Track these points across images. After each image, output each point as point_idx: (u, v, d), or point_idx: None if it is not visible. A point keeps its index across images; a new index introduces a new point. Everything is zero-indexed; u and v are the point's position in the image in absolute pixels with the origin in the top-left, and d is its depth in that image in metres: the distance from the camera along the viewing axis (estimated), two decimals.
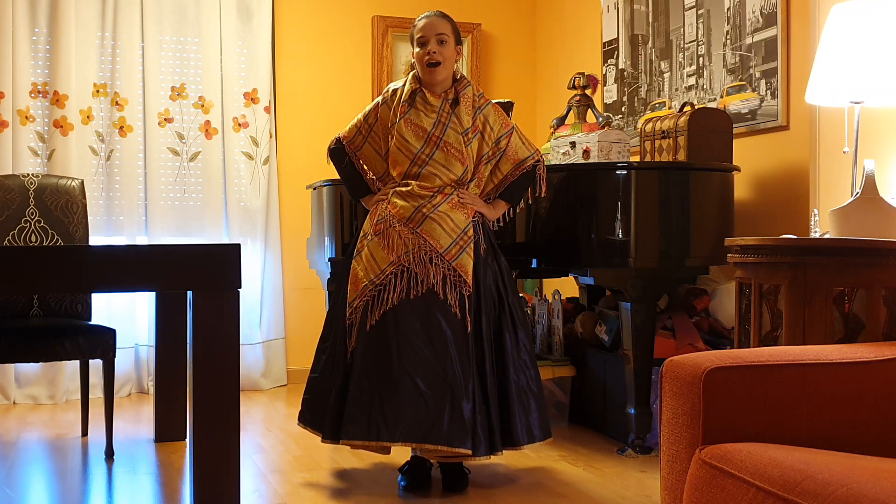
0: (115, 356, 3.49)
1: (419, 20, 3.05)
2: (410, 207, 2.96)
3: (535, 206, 3.49)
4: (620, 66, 4.61)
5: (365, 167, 3.18)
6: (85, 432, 3.78)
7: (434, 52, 2.98)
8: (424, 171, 2.98)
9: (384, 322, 2.90)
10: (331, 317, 3.12)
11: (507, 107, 3.54)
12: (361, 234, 3.06)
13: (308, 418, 3.08)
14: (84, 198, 3.81)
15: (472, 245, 2.97)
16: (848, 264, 2.28)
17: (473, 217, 3.01)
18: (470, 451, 2.83)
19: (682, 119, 3.52)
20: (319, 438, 3.00)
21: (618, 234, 3.34)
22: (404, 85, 3.07)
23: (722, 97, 3.85)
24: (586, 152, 3.64)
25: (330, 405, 2.96)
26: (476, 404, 2.87)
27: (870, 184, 2.51)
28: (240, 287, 2.36)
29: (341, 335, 3.01)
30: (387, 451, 2.96)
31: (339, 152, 3.19)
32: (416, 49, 3.02)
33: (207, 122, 4.84)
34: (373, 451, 2.96)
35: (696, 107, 3.66)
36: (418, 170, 2.99)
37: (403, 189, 3.00)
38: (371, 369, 2.88)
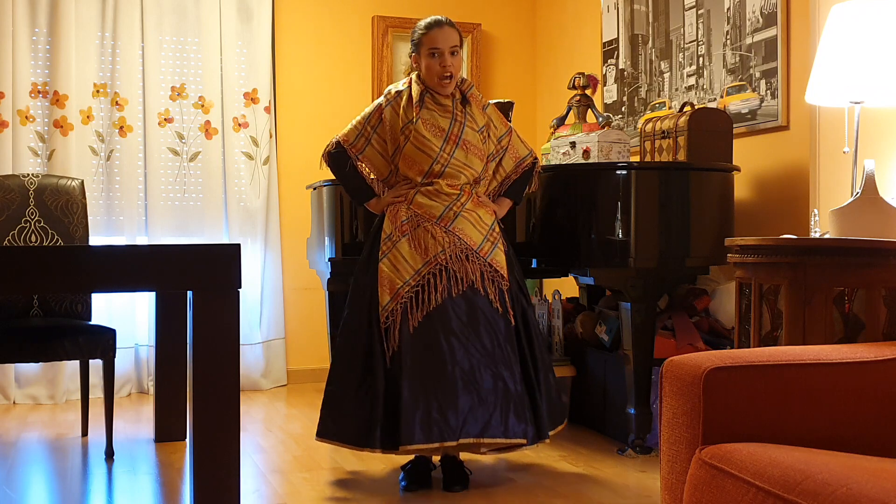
0: (115, 356, 3.49)
1: (430, 28, 3.00)
2: (440, 206, 2.97)
3: (536, 205, 3.50)
4: (620, 66, 4.61)
5: (367, 170, 3.15)
6: (85, 432, 3.78)
7: (449, 66, 2.99)
8: (448, 169, 2.99)
9: (429, 322, 2.88)
10: (350, 325, 3.01)
11: (507, 107, 3.55)
12: (383, 236, 2.99)
13: (337, 433, 2.94)
14: (84, 198, 3.81)
15: (501, 241, 3.02)
16: (848, 264, 2.28)
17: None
18: (525, 441, 2.89)
19: (682, 119, 3.51)
20: (365, 451, 2.89)
21: (618, 234, 3.34)
22: (410, 87, 3.06)
23: (722, 97, 3.85)
24: (586, 152, 3.64)
25: (377, 415, 2.84)
26: (525, 395, 2.93)
27: (870, 184, 2.51)
28: (240, 287, 2.36)
29: (377, 341, 2.91)
30: (440, 451, 2.92)
31: (339, 156, 3.13)
32: (426, 59, 2.99)
33: (207, 122, 4.84)
34: (432, 454, 2.98)
35: (696, 107, 3.66)
36: (441, 168, 2.99)
37: (429, 188, 2.99)
38: (422, 371, 2.84)
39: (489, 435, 2.83)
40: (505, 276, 2.99)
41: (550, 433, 3.02)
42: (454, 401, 2.81)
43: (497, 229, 3.05)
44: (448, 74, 2.99)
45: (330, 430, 2.97)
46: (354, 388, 2.93)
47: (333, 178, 3.39)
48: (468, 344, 2.87)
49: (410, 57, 3.10)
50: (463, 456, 3.07)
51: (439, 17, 3.05)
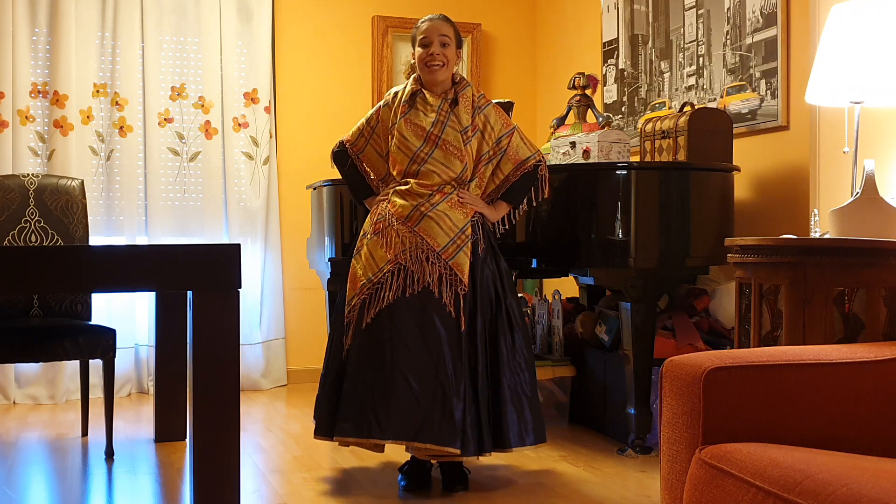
0: (115, 356, 3.49)
1: (422, 22, 3.07)
2: (409, 206, 2.97)
3: (536, 206, 3.49)
4: (620, 66, 4.61)
5: (367, 169, 3.19)
6: (85, 432, 3.78)
7: (436, 54, 2.99)
8: (424, 168, 2.99)
9: (379, 320, 2.91)
10: (333, 317, 3.15)
11: (507, 107, 3.55)
12: (361, 233, 3.07)
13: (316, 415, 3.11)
14: (84, 198, 3.81)
15: (469, 244, 2.97)
16: (848, 264, 2.28)
17: (473, 217, 3.01)
18: (458, 451, 2.83)
19: (682, 119, 3.52)
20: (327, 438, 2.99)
21: (618, 234, 3.34)
22: (405, 87, 3.09)
23: (722, 97, 3.85)
24: (586, 152, 3.64)
25: (324, 402, 2.99)
26: (466, 404, 2.87)
27: (870, 184, 2.51)
28: (240, 287, 2.36)
29: (340, 334, 3.02)
30: (380, 448, 2.96)
31: (341, 155, 3.21)
32: (418, 49, 3.04)
33: (207, 122, 4.84)
34: (367, 449, 2.98)
35: (696, 107, 3.66)
36: (417, 168, 3.00)
37: (403, 188, 3.01)
38: (364, 367, 2.90)
39: (420, 440, 2.81)
40: (465, 280, 2.92)
41: (514, 449, 2.93)
42: (388, 402, 2.82)
43: (468, 232, 2.97)
44: (436, 63, 2.99)
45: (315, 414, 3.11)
46: (329, 379, 3.02)
47: (333, 178, 3.42)
48: (412, 346, 2.86)
49: (411, 56, 3.12)
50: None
51: (434, 14, 3.10)
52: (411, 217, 2.96)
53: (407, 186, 3.00)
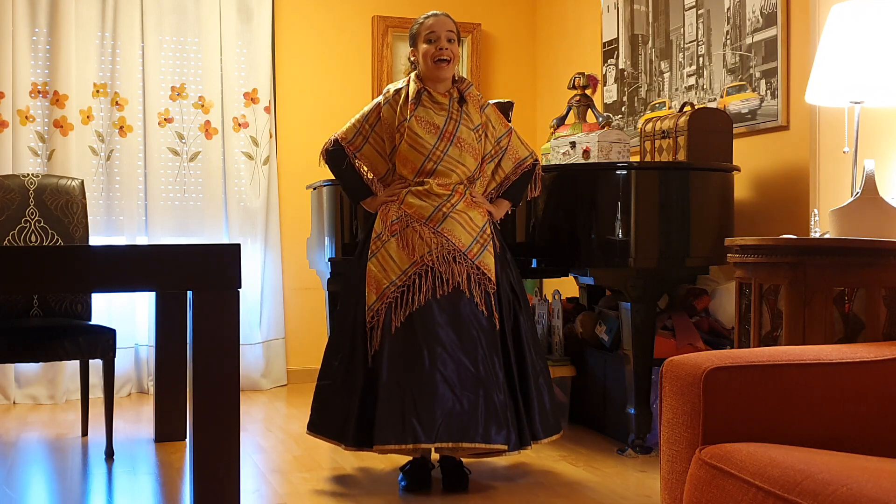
0: (115, 356, 3.49)
1: (426, 18, 3.05)
2: (430, 207, 2.96)
3: (536, 205, 3.50)
4: (620, 66, 4.61)
5: (364, 168, 3.16)
6: (85, 432, 3.78)
7: (445, 49, 2.99)
8: (440, 167, 2.98)
9: (410, 323, 2.87)
10: (339, 321, 3.07)
11: (507, 107, 3.55)
12: (374, 235, 3.01)
13: (321, 427, 3.01)
14: (84, 198, 3.81)
15: (490, 243, 2.99)
16: (848, 264, 2.28)
17: (487, 216, 3.04)
18: (506, 447, 2.85)
19: (682, 119, 3.52)
20: (340, 447, 2.94)
21: (618, 234, 3.34)
22: (407, 85, 3.07)
23: (722, 97, 3.85)
24: (586, 152, 3.64)
25: (353, 412, 2.90)
26: (506, 400, 2.89)
27: (870, 184, 2.51)
28: (240, 287, 2.36)
29: (360, 339, 2.95)
30: (419, 452, 2.94)
31: (337, 154, 3.15)
32: (424, 45, 3.02)
33: (207, 122, 4.84)
34: (405, 455, 2.95)
35: (696, 107, 3.66)
36: (433, 166, 2.98)
37: (420, 188, 2.98)
38: (400, 372, 2.84)
39: (467, 440, 2.80)
40: (492, 278, 2.95)
41: (544, 440, 3.00)
42: (430, 404, 2.80)
43: (489, 231, 3.00)
44: (445, 58, 2.98)
45: (315, 423, 3.04)
46: (339, 384, 2.97)
47: (333, 177, 3.40)
48: (449, 347, 2.85)
49: (409, 54, 3.10)
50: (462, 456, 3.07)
51: (436, 11, 3.09)
52: (433, 218, 2.95)
53: (425, 187, 2.98)
